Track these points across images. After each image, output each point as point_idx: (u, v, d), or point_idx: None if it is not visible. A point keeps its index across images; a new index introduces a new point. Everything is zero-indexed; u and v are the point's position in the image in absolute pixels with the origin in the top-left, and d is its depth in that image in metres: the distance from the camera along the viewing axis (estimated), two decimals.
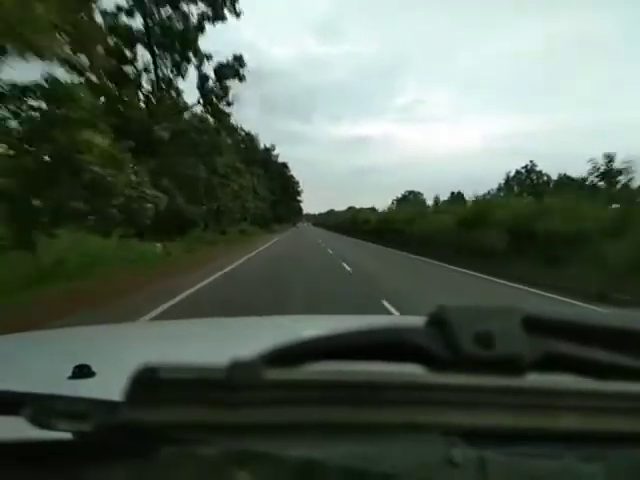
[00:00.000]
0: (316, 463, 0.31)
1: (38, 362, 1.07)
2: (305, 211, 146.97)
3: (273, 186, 59.46)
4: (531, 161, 57.89)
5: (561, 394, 0.34)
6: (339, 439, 0.32)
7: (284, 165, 76.37)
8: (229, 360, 0.32)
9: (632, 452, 0.34)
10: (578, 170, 44.41)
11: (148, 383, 0.31)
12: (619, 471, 0.34)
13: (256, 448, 0.31)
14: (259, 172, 48.72)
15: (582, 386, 0.34)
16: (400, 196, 68.36)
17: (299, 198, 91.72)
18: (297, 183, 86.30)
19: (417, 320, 0.38)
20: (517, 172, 57.62)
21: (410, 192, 75.60)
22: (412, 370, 0.34)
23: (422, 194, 66.87)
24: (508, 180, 56.87)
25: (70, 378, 0.81)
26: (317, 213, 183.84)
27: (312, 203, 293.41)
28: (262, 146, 62.81)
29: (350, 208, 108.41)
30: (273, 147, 69.14)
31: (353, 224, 45.84)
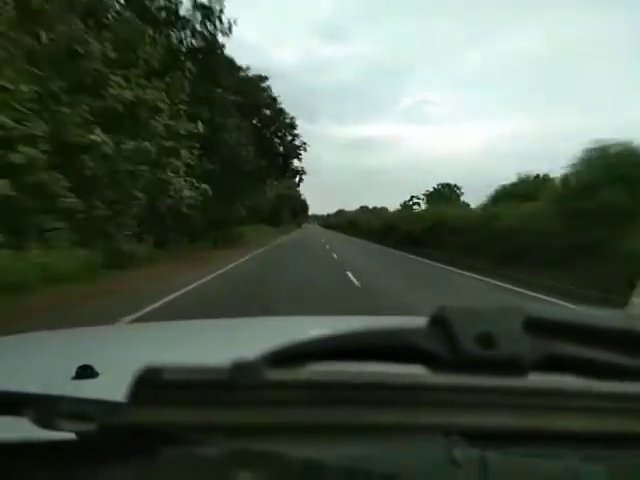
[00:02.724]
0: (318, 463, 0.31)
1: (41, 362, 1.06)
2: (311, 212, 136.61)
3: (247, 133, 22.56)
4: None
5: (562, 394, 0.34)
6: (341, 439, 0.32)
7: (264, 89, 28.66)
8: (231, 361, 0.32)
9: (633, 452, 0.34)
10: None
11: (151, 384, 0.32)
12: (621, 471, 0.34)
13: (258, 448, 0.31)
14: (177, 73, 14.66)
15: (583, 387, 0.34)
16: (432, 189, 51.66)
17: (297, 165, 35.51)
18: (293, 129, 32.32)
19: (419, 320, 0.37)
20: None
21: (445, 185, 53.49)
22: (414, 371, 0.34)
23: (460, 187, 50.88)
24: None
25: (73, 378, 0.81)
26: (325, 214, 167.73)
27: (319, 204, 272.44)
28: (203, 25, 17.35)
29: (362, 207, 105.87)
30: (234, 24, 18.88)
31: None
